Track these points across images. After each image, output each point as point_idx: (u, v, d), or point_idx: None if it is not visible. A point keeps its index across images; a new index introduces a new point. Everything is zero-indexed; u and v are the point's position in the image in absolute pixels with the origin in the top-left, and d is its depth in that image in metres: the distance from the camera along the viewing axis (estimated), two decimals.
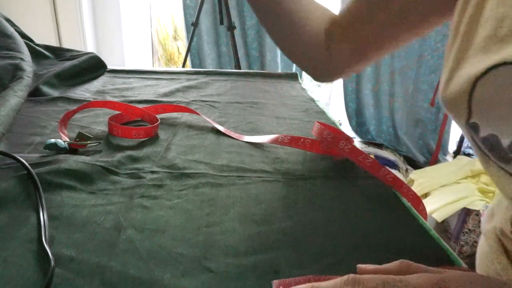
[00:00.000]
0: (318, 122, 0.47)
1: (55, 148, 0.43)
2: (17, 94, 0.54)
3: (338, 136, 0.43)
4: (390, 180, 0.40)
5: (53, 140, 0.44)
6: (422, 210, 0.38)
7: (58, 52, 0.86)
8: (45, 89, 0.68)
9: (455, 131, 2.06)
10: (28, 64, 0.65)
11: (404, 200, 0.39)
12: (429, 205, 1.39)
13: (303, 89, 0.83)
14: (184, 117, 0.60)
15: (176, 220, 0.33)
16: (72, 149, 0.45)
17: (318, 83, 2.60)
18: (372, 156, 0.44)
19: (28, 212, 0.32)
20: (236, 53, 1.71)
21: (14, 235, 0.29)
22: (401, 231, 0.33)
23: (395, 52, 1.96)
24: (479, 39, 0.24)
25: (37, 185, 0.35)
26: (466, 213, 1.34)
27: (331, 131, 0.45)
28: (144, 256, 0.28)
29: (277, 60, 2.01)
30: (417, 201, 0.39)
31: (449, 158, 2.07)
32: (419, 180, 1.55)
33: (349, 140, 0.49)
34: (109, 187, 0.38)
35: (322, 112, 0.67)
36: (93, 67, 0.83)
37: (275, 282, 0.26)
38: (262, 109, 0.67)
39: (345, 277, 0.23)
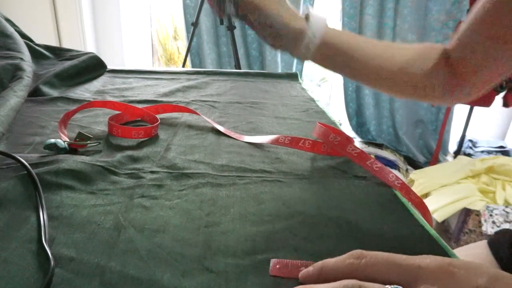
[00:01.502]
0: (320, 123, 0.47)
1: (55, 148, 0.43)
2: (17, 94, 0.54)
3: (346, 140, 0.44)
4: (399, 186, 0.40)
5: (53, 140, 0.44)
6: (428, 217, 0.38)
7: (58, 52, 0.86)
8: (45, 89, 0.68)
9: (455, 131, 2.06)
10: (28, 64, 0.65)
11: (404, 200, 0.39)
12: (430, 205, 1.39)
13: (303, 89, 0.83)
14: (184, 117, 0.60)
15: (176, 220, 0.33)
16: (72, 149, 0.45)
17: (319, 83, 2.61)
18: (372, 156, 0.44)
19: (28, 212, 0.32)
20: (236, 53, 1.71)
21: (14, 235, 0.29)
22: (401, 231, 0.33)
23: None
24: None
25: (37, 185, 0.35)
26: (466, 213, 1.34)
27: (330, 131, 0.45)
28: (144, 256, 0.28)
29: (277, 60, 2.01)
30: (424, 208, 0.39)
31: (449, 158, 2.07)
32: (419, 180, 1.55)
33: (349, 140, 0.49)
34: (109, 187, 0.38)
35: (322, 112, 0.67)
36: (93, 67, 0.83)
37: (273, 261, 0.27)
38: (262, 109, 0.67)
39: (351, 252, 0.23)
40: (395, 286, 0.20)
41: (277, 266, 0.27)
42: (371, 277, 0.22)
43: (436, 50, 0.46)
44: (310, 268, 0.25)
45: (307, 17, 0.45)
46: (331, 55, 0.46)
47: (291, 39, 0.44)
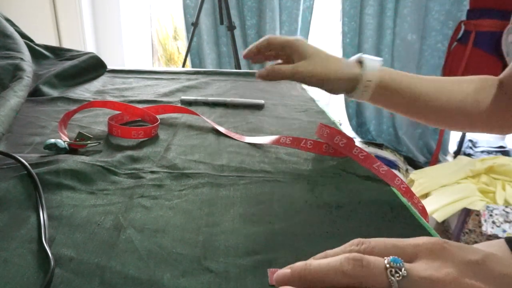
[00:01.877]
0: (321, 124, 0.47)
1: (55, 148, 0.43)
2: (17, 94, 0.54)
3: (352, 142, 0.44)
4: (403, 190, 0.40)
5: (53, 140, 0.44)
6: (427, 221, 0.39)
7: (58, 52, 0.86)
8: (45, 89, 0.68)
9: (455, 131, 2.05)
10: (28, 64, 0.65)
11: (404, 199, 0.39)
12: (429, 205, 1.39)
13: (303, 89, 0.83)
14: (184, 117, 0.60)
15: (176, 220, 0.33)
16: (72, 149, 0.45)
17: None
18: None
19: (28, 212, 0.32)
20: (236, 53, 1.71)
21: (14, 235, 0.29)
22: (402, 231, 0.33)
23: (395, 52, 1.97)
24: None
25: (37, 185, 0.35)
26: (466, 214, 1.34)
27: (331, 131, 0.45)
28: (144, 256, 0.28)
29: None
30: (425, 213, 0.39)
31: (449, 158, 2.07)
32: (419, 180, 1.55)
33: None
34: (109, 187, 0.38)
35: (322, 112, 0.67)
36: (93, 67, 0.83)
37: (270, 270, 0.27)
38: (262, 109, 0.67)
39: (351, 240, 0.24)
40: (394, 257, 0.21)
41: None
42: None
43: (492, 82, 0.48)
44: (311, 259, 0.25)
45: (360, 62, 0.46)
46: (387, 96, 0.47)
47: (348, 86, 0.46)
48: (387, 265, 0.21)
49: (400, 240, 0.23)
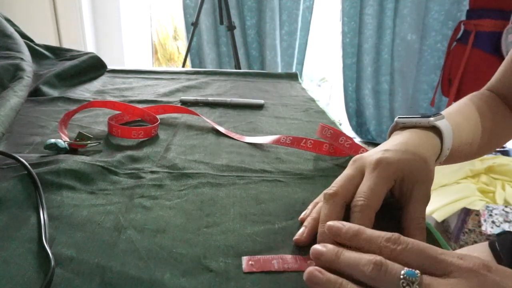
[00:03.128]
0: (322, 124, 0.47)
1: (55, 148, 0.43)
2: (17, 94, 0.54)
3: (357, 144, 0.44)
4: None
5: (53, 140, 0.44)
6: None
7: (58, 52, 0.86)
8: (45, 89, 0.68)
9: None
10: (28, 64, 0.65)
11: None
12: (429, 205, 1.39)
13: (303, 89, 0.83)
14: (184, 117, 0.60)
15: (176, 220, 0.33)
16: (72, 149, 0.45)
17: (319, 83, 2.61)
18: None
19: (28, 212, 0.32)
20: (236, 53, 1.71)
21: (14, 235, 0.29)
22: (401, 231, 0.33)
23: (395, 52, 1.97)
24: None
25: (37, 185, 0.35)
26: (466, 213, 1.34)
27: (335, 132, 0.45)
28: (144, 256, 0.28)
29: (277, 60, 2.01)
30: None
31: None
32: None
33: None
34: (109, 187, 0.38)
35: (322, 112, 0.67)
36: (93, 67, 0.83)
37: (245, 258, 0.28)
38: (262, 109, 0.67)
39: (391, 234, 0.24)
40: (411, 270, 0.21)
41: (250, 263, 0.28)
42: (403, 263, 0.23)
43: (494, 99, 0.49)
44: (346, 226, 0.26)
45: (433, 128, 0.37)
46: (450, 159, 0.40)
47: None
48: (401, 277, 0.21)
49: (441, 252, 0.23)
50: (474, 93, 0.51)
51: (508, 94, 0.49)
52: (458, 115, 0.44)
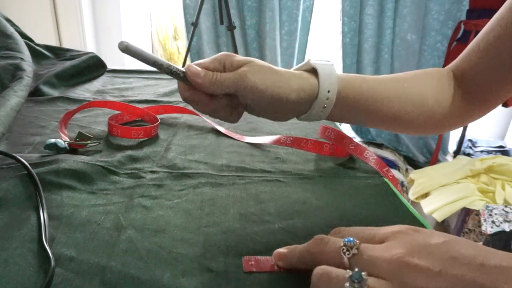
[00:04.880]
0: (324, 125, 0.47)
1: (55, 148, 0.43)
2: (17, 94, 0.54)
3: (361, 146, 0.44)
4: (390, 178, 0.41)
5: (53, 140, 0.44)
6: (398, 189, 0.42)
7: (58, 52, 0.87)
8: (45, 89, 0.68)
9: (455, 131, 2.06)
10: (28, 64, 0.66)
11: (404, 199, 0.39)
12: (429, 205, 1.39)
13: None
14: (184, 117, 0.60)
15: (176, 220, 0.33)
16: (72, 149, 0.45)
17: None
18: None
19: (28, 212, 0.32)
20: (236, 53, 1.71)
21: (14, 235, 0.29)
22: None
23: (395, 52, 1.97)
24: None
25: (37, 185, 0.35)
26: (466, 213, 1.34)
27: (338, 133, 0.45)
28: (144, 256, 0.28)
29: (277, 60, 2.01)
30: (395, 183, 0.42)
31: (449, 158, 2.07)
32: (419, 180, 1.55)
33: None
34: (109, 187, 0.38)
35: None
36: (93, 67, 0.83)
37: (245, 258, 0.28)
38: None
39: (334, 229, 0.27)
40: (349, 238, 0.23)
41: (250, 263, 0.28)
42: None
43: (446, 77, 0.44)
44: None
45: (311, 72, 0.36)
46: (347, 108, 0.38)
47: (302, 105, 0.35)
48: (342, 244, 0.23)
49: (375, 228, 0.25)
50: (433, 68, 0.45)
51: (469, 71, 0.42)
52: (380, 76, 0.41)
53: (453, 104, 0.42)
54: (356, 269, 0.21)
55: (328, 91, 0.35)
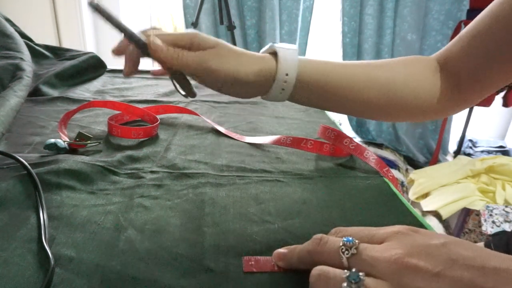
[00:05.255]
0: (323, 126, 0.47)
1: (55, 148, 0.43)
2: (17, 94, 0.54)
3: (361, 146, 0.44)
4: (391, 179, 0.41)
5: (53, 140, 0.44)
6: (398, 189, 0.42)
7: (58, 52, 0.86)
8: (45, 89, 0.68)
9: (455, 131, 2.05)
10: (28, 64, 0.65)
11: (404, 199, 0.39)
12: (430, 205, 1.39)
13: None
14: (184, 117, 0.60)
15: (176, 220, 0.33)
16: (72, 149, 0.45)
17: None
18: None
19: (28, 212, 0.32)
20: None
21: (14, 235, 0.29)
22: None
23: (395, 52, 1.96)
24: None
25: (37, 185, 0.35)
26: (466, 213, 1.34)
27: (338, 133, 0.45)
28: (144, 256, 0.28)
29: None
30: (395, 183, 0.42)
31: (449, 158, 2.07)
32: (419, 180, 1.55)
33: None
34: (109, 187, 0.38)
35: (322, 112, 0.67)
36: (93, 67, 0.83)
37: (245, 258, 0.28)
38: (262, 109, 0.67)
39: (334, 229, 0.27)
40: (348, 237, 0.23)
41: (250, 263, 0.28)
42: None
43: (427, 64, 0.42)
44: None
45: (274, 54, 0.37)
46: (309, 92, 0.38)
47: (261, 86, 0.36)
48: (341, 244, 0.23)
49: (374, 228, 0.25)
50: (419, 56, 0.44)
51: (455, 60, 0.41)
52: (347, 62, 0.41)
53: (436, 90, 0.41)
54: (353, 269, 0.21)
55: (287, 74, 0.36)
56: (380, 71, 0.40)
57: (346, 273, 0.21)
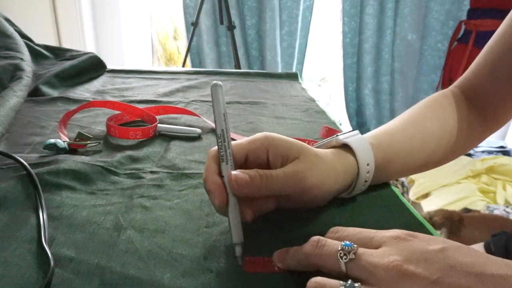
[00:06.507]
0: (325, 126, 0.47)
1: (54, 148, 0.43)
2: (16, 94, 0.54)
3: None
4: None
5: (52, 140, 0.44)
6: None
7: (58, 52, 0.86)
8: (45, 89, 0.68)
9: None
10: (27, 64, 0.65)
11: (404, 199, 0.39)
12: (430, 205, 1.39)
13: (303, 89, 0.83)
14: (184, 117, 0.60)
15: (176, 221, 0.33)
16: (71, 149, 0.45)
17: (319, 83, 2.60)
18: None
19: (28, 212, 0.32)
20: (236, 53, 1.71)
21: (14, 235, 0.29)
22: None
23: (396, 52, 1.96)
24: None
25: (37, 185, 0.35)
26: (466, 213, 1.34)
27: (331, 133, 0.45)
28: (144, 257, 0.28)
29: (277, 60, 2.01)
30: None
31: None
32: (420, 180, 1.55)
33: None
34: (108, 187, 0.38)
35: (322, 112, 0.67)
36: (93, 67, 0.83)
37: (246, 259, 0.28)
38: (262, 109, 0.67)
39: (331, 228, 0.27)
40: (347, 242, 0.23)
41: (250, 263, 0.28)
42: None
43: (454, 99, 0.43)
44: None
45: (346, 147, 0.34)
46: (381, 173, 0.36)
47: (345, 188, 0.34)
48: (339, 248, 0.23)
49: (373, 231, 0.25)
50: (440, 92, 0.45)
51: (479, 88, 0.43)
52: (401, 124, 0.40)
53: (469, 125, 0.43)
54: (350, 281, 0.21)
55: (368, 164, 0.34)
56: (429, 123, 0.40)
57: (342, 284, 0.21)
